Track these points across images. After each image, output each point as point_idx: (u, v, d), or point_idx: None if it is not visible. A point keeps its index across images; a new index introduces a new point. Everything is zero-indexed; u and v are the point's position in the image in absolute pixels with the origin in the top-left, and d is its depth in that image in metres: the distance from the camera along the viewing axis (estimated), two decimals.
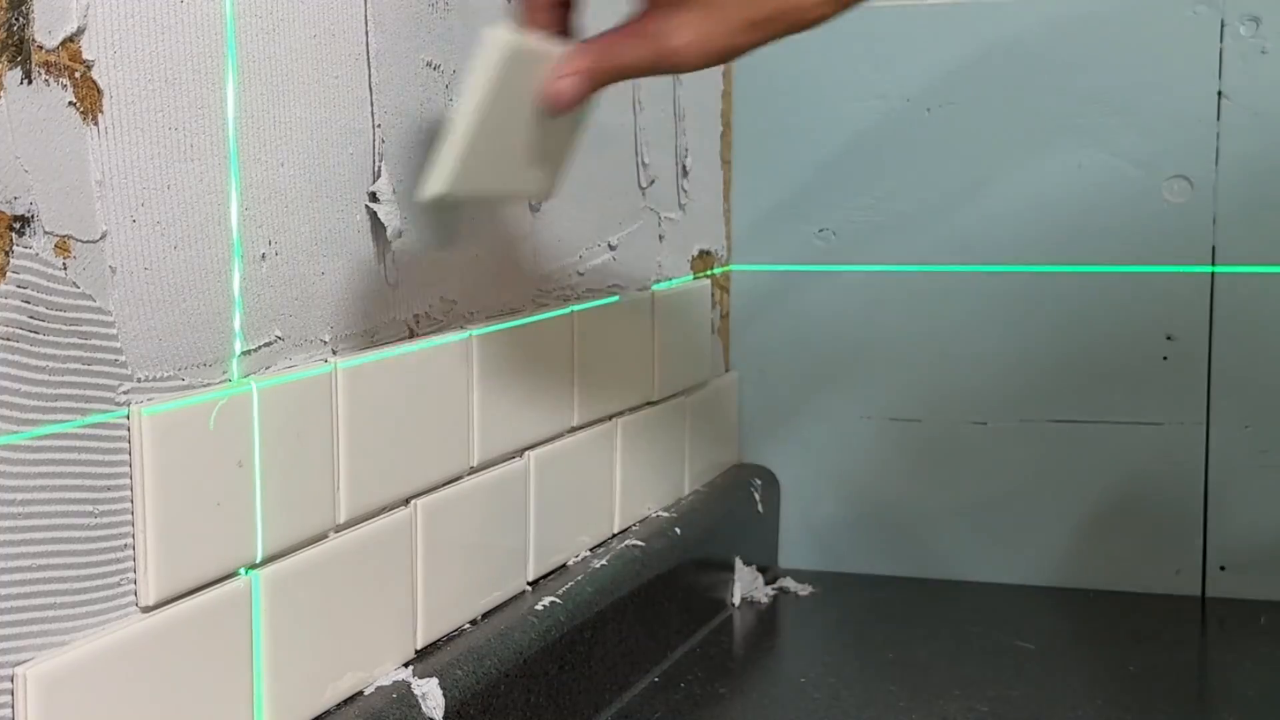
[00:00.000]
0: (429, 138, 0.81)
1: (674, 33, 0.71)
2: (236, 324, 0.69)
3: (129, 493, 0.62)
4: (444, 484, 0.86)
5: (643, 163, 1.15)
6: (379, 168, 0.80)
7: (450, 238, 0.87)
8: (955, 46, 1.33)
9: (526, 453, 0.96)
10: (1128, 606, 1.28)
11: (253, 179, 0.70)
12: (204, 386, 0.67)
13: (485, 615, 0.91)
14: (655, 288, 1.18)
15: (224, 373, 0.68)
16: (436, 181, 0.75)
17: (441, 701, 0.78)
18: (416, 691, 0.78)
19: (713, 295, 1.33)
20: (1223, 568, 1.29)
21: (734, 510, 1.29)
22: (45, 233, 0.58)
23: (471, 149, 0.75)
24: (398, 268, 0.82)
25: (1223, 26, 1.25)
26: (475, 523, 0.90)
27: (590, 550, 1.05)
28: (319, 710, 0.75)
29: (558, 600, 0.94)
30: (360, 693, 0.78)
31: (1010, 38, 1.31)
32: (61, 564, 0.59)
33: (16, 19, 0.56)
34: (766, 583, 1.31)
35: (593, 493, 1.06)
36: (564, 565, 1.02)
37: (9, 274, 0.56)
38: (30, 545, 0.57)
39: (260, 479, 0.69)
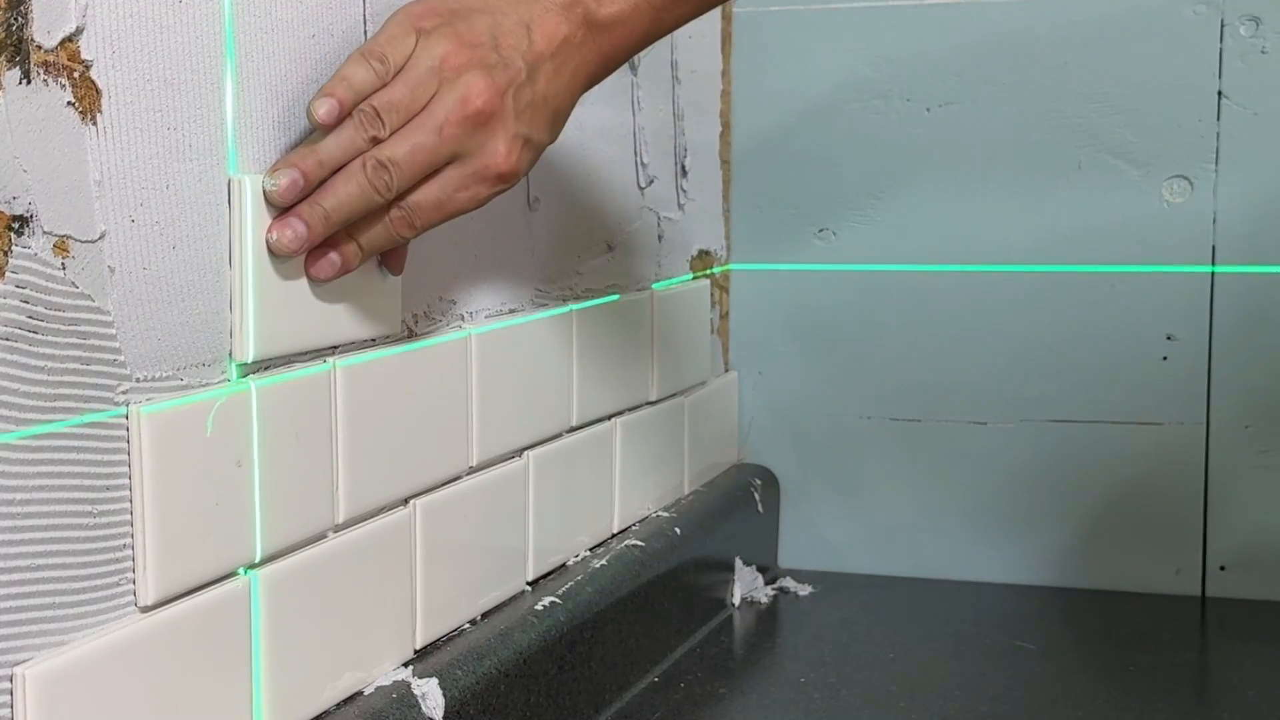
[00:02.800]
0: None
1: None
2: (235, 324, 0.69)
3: (128, 492, 0.62)
4: (443, 484, 0.86)
5: (642, 163, 1.15)
6: None
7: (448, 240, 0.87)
8: (955, 46, 1.33)
9: (526, 452, 0.96)
10: (1128, 606, 1.28)
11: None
12: (203, 386, 0.67)
13: (485, 615, 0.91)
14: (655, 287, 1.18)
15: (223, 373, 0.68)
16: (244, 346, 0.69)
17: (441, 701, 0.78)
18: (416, 691, 0.78)
19: (713, 295, 1.33)
20: (1223, 568, 1.29)
21: (734, 510, 1.29)
22: (44, 233, 0.58)
23: (264, 303, 0.69)
24: None
25: (1223, 26, 1.25)
26: (475, 523, 0.90)
27: (590, 550, 1.05)
28: (318, 710, 0.74)
29: (558, 600, 0.94)
30: (360, 693, 0.78)
31: (1010, 37, 1.31)
32: (61, 564, 0.59)
33: (15, 19, 0.56)
34: (766, 583, 1.31)
35: (592, 493, 1.06)
36: (564, 565, 1.01)
37: (8, 274, 0.56)
38: (29, 545, 0.57)
39: (259, 479, 0.69)
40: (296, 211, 0.70)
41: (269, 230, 0.70)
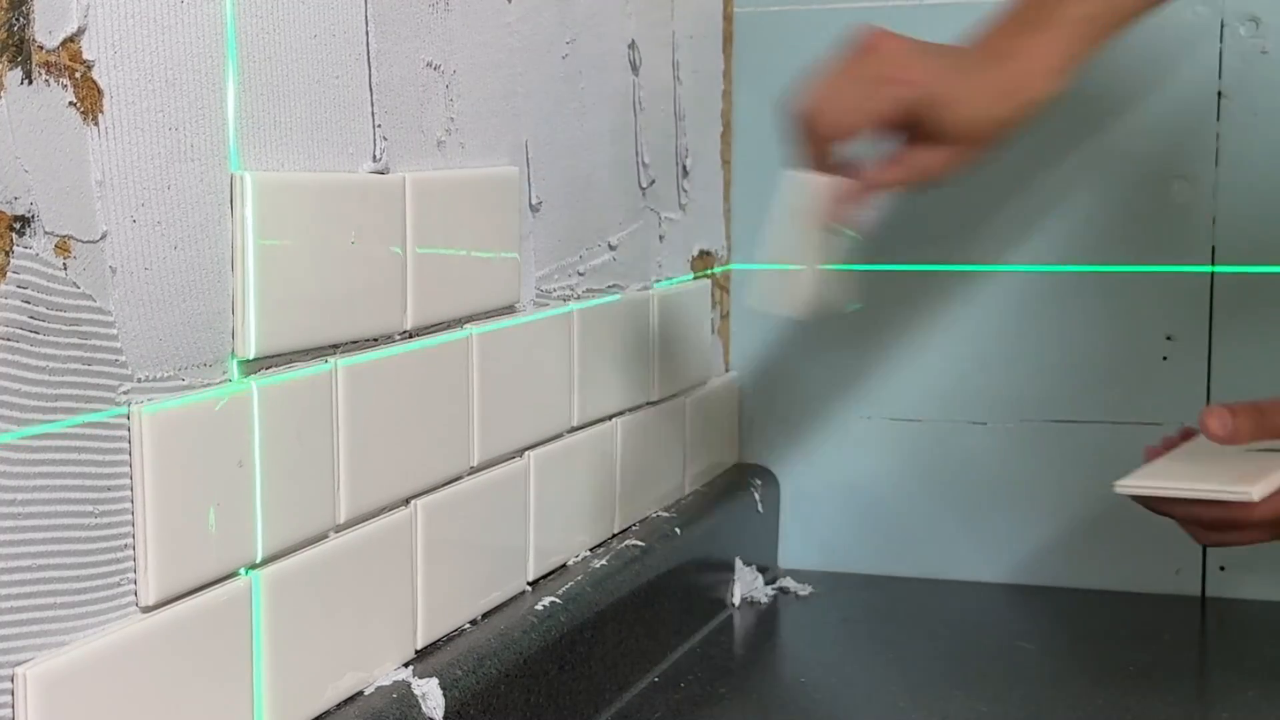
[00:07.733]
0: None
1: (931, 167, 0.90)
2: (237, 323, 0.69)
3: (129, 493, 0.62)
4: (444, 484, 0.86)
5: (643, 163, 1.15)
6: (378, 168, 0.80)
7: None
8: None
9: (526, 453, 0.96)
10: (1128, 606, 1.28)
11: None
12: (204, 386, 0.67)
13: (485, 615, 0.91)
14: (655, 287, 1.18)
15: (224, 373, 0.68)
16: (245, 345, 0.69)
17: (441, 701, 0.79)
18: (416, 691, 0.78)
19: (713, 295, 1.33)
20: (1222, 568, 1.29)
21: (734, 510, 1.29)
22: (45, 233, 0.58)
23: (265, 302, 0.70)
24: None
25: (1223, 26, 1.25)
26: (475, 523, 0.90)
27: (590, 550, 1.05)
28: (319, 710, 0.75)
29: (558, 600, 0.94)
30: (360, 693, 0.78)
31: None
32: (61, 564, 0.59)
33: (17, 19, 0.56)
34: (766, 583, 1.31)
35: (593, 493, 1.06)
36: (564, 565, 1.02)
37: (9, 274, 0.56)
38: (30, 545, 0.57)
39: (260, 479, 0.69)
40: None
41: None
